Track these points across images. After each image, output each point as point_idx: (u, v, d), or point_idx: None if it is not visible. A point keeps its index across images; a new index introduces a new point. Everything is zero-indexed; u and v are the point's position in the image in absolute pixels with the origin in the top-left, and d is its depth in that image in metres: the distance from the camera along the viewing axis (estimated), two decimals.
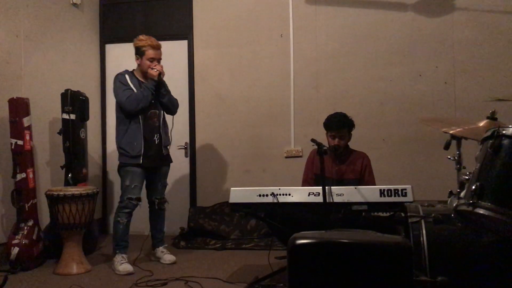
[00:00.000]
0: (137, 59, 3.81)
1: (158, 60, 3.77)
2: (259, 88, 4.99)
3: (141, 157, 3.72)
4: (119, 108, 3.78)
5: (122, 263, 3.61)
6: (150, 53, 3.73)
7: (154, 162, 3.81)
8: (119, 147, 3.82)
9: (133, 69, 3.86)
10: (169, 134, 3.98)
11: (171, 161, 4.04)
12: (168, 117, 3.98)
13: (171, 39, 5.17)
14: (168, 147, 3.96)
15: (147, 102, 3.70)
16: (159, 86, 3.77)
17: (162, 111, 3.86)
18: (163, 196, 3.96)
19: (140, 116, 3.73)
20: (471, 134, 2.33)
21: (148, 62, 3.74)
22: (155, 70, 3.72)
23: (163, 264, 3.82)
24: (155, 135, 3.79)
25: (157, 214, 3.97)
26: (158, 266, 3.73)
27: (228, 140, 5.04)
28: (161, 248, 3.95)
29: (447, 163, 2.67)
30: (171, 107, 3.91)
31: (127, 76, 3.78)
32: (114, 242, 3.71)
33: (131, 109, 3.68)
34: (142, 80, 3.80)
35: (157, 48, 3.77)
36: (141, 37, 3.80)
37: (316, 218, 2.93)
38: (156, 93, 3.77)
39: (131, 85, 3.73)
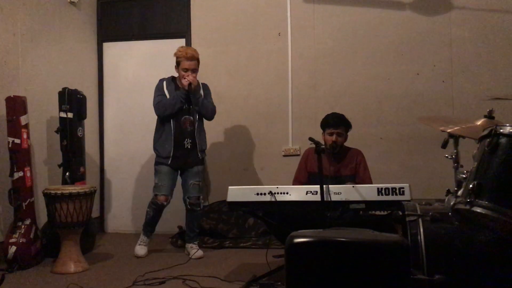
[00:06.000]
0: (175, 67, 4.07)
1: (193, 70, 3.99)
2: (257, 86, 4.99)
3: (170, 159, 4.00)
4: None
5: (139, 244, 4.07)
6: (184, 64, 3.97)
7: (182, 164, 4.06)
8: (153, 148, 4.14)
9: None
10: (205, 138, 4.22)
11: (204, 162, 4.26)
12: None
13: (168, 37, 5.17)
14: (204, 151, 4.16)
15: (174, 109, 3.96)
16: (191, 94, 3.97)
17: (197, 118, 4.06)
18: (195, 195, 4.08)
19: (172, 121, 4.00)
20: (468, 132, 2.34)
21: (182, 72, 3.99)
22: (186, 80, 3.93)
23: (163, 261, 3.83)
24: (186, 140, 4.01)
25: (189, 212, 4.14)
26: (156, 265, 3.73)
27: (226, 138, 5.04)
28: (190, 244, 4.14)
29: (445, 162, 2.67)
30: (205, 113, 4.10)
31: (164, 83, 4.09)
32: (143, 226, 4.14)
33: (158, 114, 4.04)
34: (180, 86, 4.05)
35: (191, 59, 3.98)
36: (179, 48, 4.08)
37: (314, 216, 2.94)
38: (188, 101, 3.99)
39: (166, 91, 4.04)
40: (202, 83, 4.19)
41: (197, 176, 4.08)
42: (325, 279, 1.85)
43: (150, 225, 4.11)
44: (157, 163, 4.08)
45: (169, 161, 3.99)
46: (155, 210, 4.04)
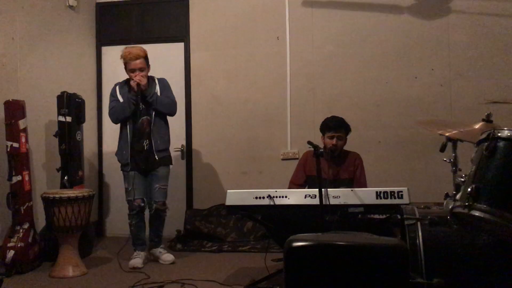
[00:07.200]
0: (125, 70, 3.89)
1: (140, 69, 3.80)
2: (256, 90, 5.00)
3: (129, 165, 3.88)
4: None
5: (133, 257, 3.84)
6: (130, 65, 3.81)
7: (143, 167, 3.89)
8: (115, 154, 4.02)
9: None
10: (167, 137, 4.01)
11: (169, 163, 4.04)
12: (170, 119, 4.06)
13: (167, 41, 5.18)
14: (163, 151, 3.95)
15: (126, 113, 3.83)
16: (144, 95, 3.81)
17: (154, 117, 3.88)
18: (161, 200, 3.94)
19: (128, 125, 3.87)
20: (466, 136, 2.34)
21: (130, 74, 3.83)
22: (133, 81, 3.76)
23: (161, 265, 3.83)
24: (145, 141, 3.86)
25: (153, 217, 3.98)
26: (155, 269, 3.72)
27: (225, 142, 5.04)
28: (158, 249, 4.00)
29: (443, 165, 2.68)
30: (165, 110, 3.93)
31: (117, 87, 3.94)
32: (132, 242, 3.97)
33: (113, 120, 3.93)
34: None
35: (136, 58, 3.79)
36: (123, 49, 3.88)
37: (313, 220, 2.93)
38: (144, 102, 3.84)
39: (119, 96, 3.89)
40: (158, 78, 4.01)
41: (162, 179, 3.93)
42: (324, 283, 1.85)
43: (137, 237, 3.93)
44: (122, 169, 3.97)
45: (129, 168, 3.87)
46: (136, 216, 3.88)
